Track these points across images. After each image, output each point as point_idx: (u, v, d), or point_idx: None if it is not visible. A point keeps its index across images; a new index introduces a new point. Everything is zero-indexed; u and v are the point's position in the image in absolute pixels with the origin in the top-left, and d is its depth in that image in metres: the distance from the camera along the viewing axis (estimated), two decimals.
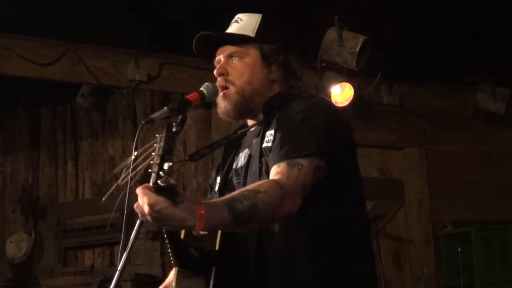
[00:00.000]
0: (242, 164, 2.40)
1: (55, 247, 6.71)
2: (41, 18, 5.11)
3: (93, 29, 5.31)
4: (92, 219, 6.49)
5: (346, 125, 2.34)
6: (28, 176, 7.03)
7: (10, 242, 6.73)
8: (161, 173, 1.76)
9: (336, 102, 5.53)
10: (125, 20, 5.21)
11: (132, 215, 2.03)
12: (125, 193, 2.08)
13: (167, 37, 5.39)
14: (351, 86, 5.57)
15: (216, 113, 2.51)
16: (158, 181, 1.76)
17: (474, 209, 6.24)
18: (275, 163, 2.16)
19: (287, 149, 2.16)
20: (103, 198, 2.27)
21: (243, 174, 2.37)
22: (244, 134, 2.48)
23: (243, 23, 2.48)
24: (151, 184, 1.79)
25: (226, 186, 2.44)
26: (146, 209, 1.81)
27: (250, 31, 2.45)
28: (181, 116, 2.24)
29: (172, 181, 1.78)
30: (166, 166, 1.76)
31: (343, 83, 5.57)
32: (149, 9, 5.06)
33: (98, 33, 5.36)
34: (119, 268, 2.07)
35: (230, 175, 2.45)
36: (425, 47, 5.66)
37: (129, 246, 2.06)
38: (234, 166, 2.46)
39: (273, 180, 2.09)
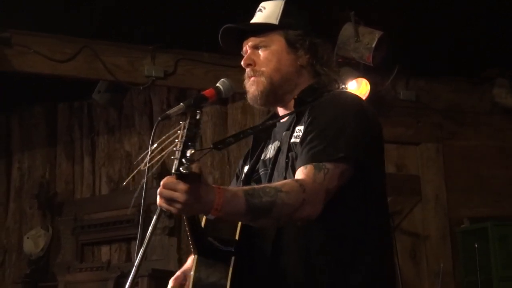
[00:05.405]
0: (271, 156, 2.39)
1: (72, 243, 6.74)
2: (58, 15, 5.13)
3: (109, 26, 5.32)
4: (109, 215, 6.53)
5: (376, 126, 2.32)
6: (45, 172, 7.07)
7: (28, 238, 6.76)
8: (183, 160, 1.75)
9: None
10: (141, 16, 5.22)
11: (149, 210, 2.04)
12: (142, 188, 2.08)
13: (183, 34, 5.39)
14: (368, 82, 5.55)
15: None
16: (180, 168, 1.76)
17: (491, 205, 6.20)
18: (302, 164, 2.14)
19: (315, 151, 2.14)
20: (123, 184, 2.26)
21: (270, 166, 2.36)
22: (274, 125, 2.46)
23: (267, 12, 2.46)
24: (173, 170, 1.79)
25: (251, 177, 2.44)
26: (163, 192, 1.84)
27: (274, 19, 2.43)
28: (197, 112, 2.24)
29: (194, 168, 1.78)
30: (189, 153, 1.75)
31: (360, 79, 5.54)
32: (165, 5, 5.06)
33: (114, 29, 5.38)
34: (136, 264, 2.07)
35: (257, 166, 2.44)
36: (441, 42, 5.63)
37: (146, 242, 2.06)
38: (262, 157, 2.44)
39: (297, 182, 2.08)
